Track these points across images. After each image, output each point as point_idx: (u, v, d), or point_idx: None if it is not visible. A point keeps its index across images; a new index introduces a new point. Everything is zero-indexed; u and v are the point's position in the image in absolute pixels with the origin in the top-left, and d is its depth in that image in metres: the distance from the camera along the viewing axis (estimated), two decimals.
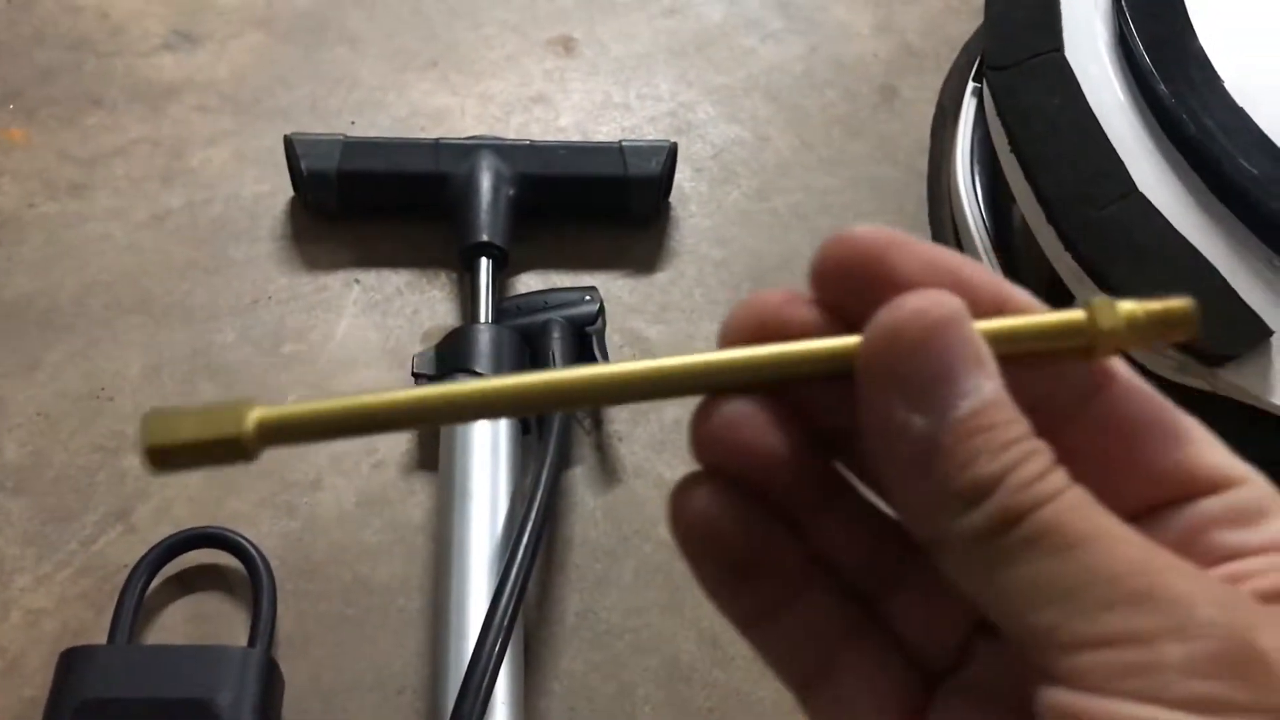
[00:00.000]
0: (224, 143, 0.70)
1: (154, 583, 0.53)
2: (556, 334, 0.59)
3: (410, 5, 0.78)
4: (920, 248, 0.21)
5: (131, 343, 0.61)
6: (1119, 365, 0.22)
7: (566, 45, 0.77)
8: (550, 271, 0.66)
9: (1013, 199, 0.54)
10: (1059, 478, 0.19)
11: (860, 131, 0.73)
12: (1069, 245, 0.49)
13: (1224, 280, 0.46)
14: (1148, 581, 0.18)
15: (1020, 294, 0.22)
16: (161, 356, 0.61)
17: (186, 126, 0.71)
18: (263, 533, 0.55)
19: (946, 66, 0.74)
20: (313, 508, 0.56)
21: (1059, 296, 0.52)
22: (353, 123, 0.71)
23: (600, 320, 0.61)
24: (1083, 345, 0.21)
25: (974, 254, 0.58)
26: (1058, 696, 0.18)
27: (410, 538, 0.56)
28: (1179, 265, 0.47)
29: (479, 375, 0.56)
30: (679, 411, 0.60)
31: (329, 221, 0.66)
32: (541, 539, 0.51)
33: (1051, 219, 0.50)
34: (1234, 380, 0.45)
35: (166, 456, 0.20)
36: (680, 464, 0.58)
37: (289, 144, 0.65)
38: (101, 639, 0.50)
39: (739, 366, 0.21)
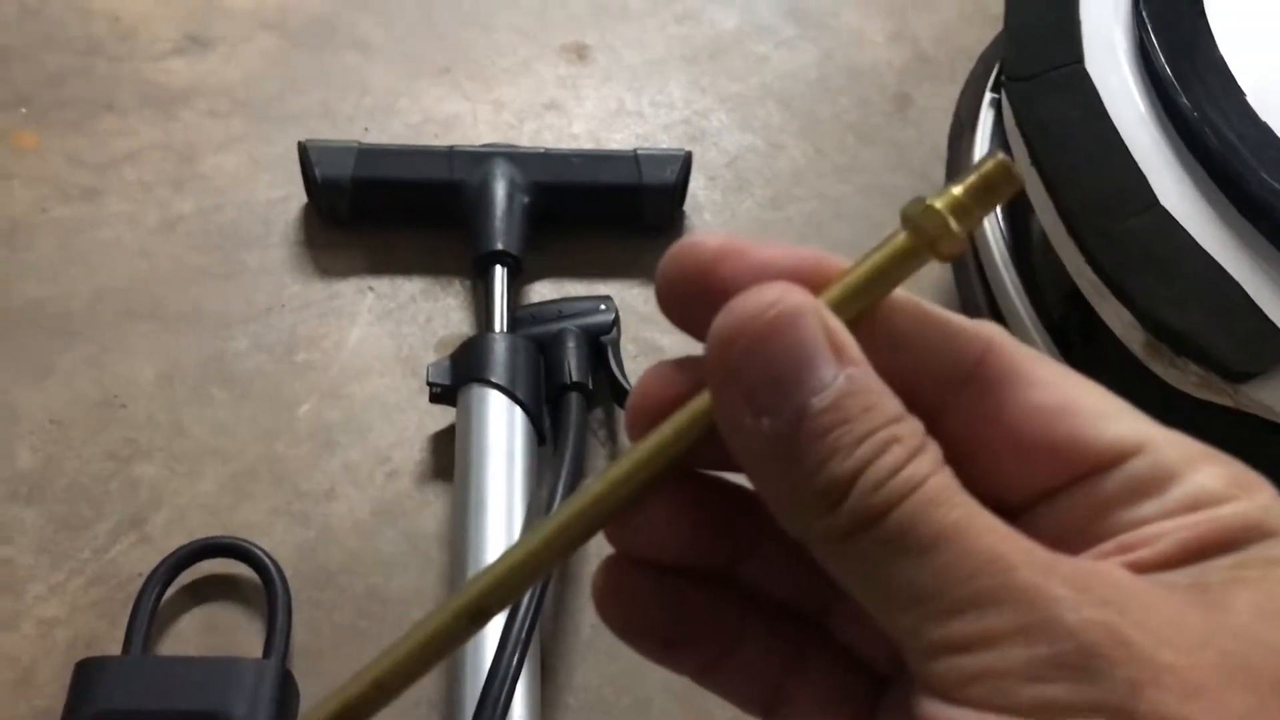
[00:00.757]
0: (236, 148, 0.70)
1: (168, 592, 0.53)
2: (571, 343, 0.59)
3: (422, 10, 0.78)
4: (754, 252, 0.21)
5: (144, 349, 0.61)
6: (998, 335, 0.21)
7: (579, 52, 0.77)
8: (565, 280, 0.66)
9: (1032, 211, 0.54)
10: (919, 467, 0.18)
11: (874, 139, 0.73)
12: (1090, 259, 0.49)
13: (1247, 295, 0.46)
14: (1000, 580, 0.17)
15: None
16: (174, 363, 0.61)
17: (198, 131, 0.71)
18: (277, 542, 0.55)
19: (960, 74, 0.74)
20: (327, 517, 0.56)
21: (1080, 310, 0.52)
22: (365, 129, 0.71)
23: (615, 329, 0.61)
24: (927, 256, 0.20)
25: (992, 268, 0.57)
26: (920, 704, 0.17)
27: (425, 548, 0.56)
28: (1202, 280, 0.46)
29: (494, 385, 0.56)
30: None
31: (343, 228, 0.66)
32: None
33: (1072, 232, 0.49)
34: (1258, 397, 0.45)
35: None
36: None
37: (303, 150, 0.64)
38: (115, 649, 0.50)
39: (621, 486, 0.20)
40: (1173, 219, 0.48)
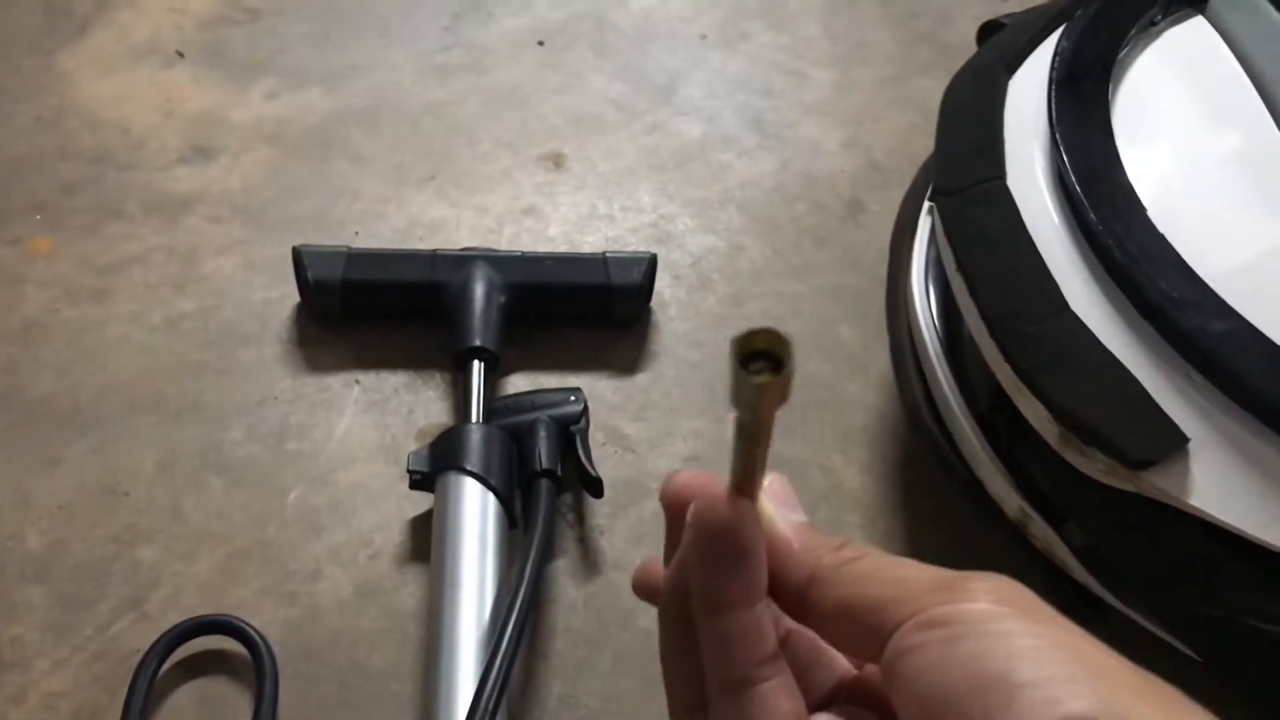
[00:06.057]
0: (235, 251, 0.75)
1: (164, 667, 0.57)
2: (543, 433, 0.64)
3: (410, 123, 0.84)
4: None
5: (146, 440, 0.66)
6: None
7: (556, 161, 0.82)
8: (538, 373, 0.70)
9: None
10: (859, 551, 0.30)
11: (828, 241, 0.78)
12: (1007, 357, 0.54)
13: (1146, 391, 0.50)
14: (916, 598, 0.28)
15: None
16: (174, 453, 0.65)
17: (200, 236, 0.76)
18: (266, 620, 0.59)
19: (909, 182, 0.80)
20: (313, 596, 0.60)
21: (1004, 403, 0.56)
22: (356, 233, 0.76)
23: (584, 419, 0.65)
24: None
25: (928, 362, 0.62)
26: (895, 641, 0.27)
27: (403, 625, 0.60)
28: (1105, 377, 0.51)
29: (469, 472, 0.60)
30: (658, 506, 0.64)
31: (332, 326, 0.71)
32: (525, 628, 0.55)
33: (993, 333, 0.54)
34: (1156, 483, 0.50)
35: None
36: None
37: (297, 255, 0.70)
38: None
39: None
40: (1081, 322, 0.53)
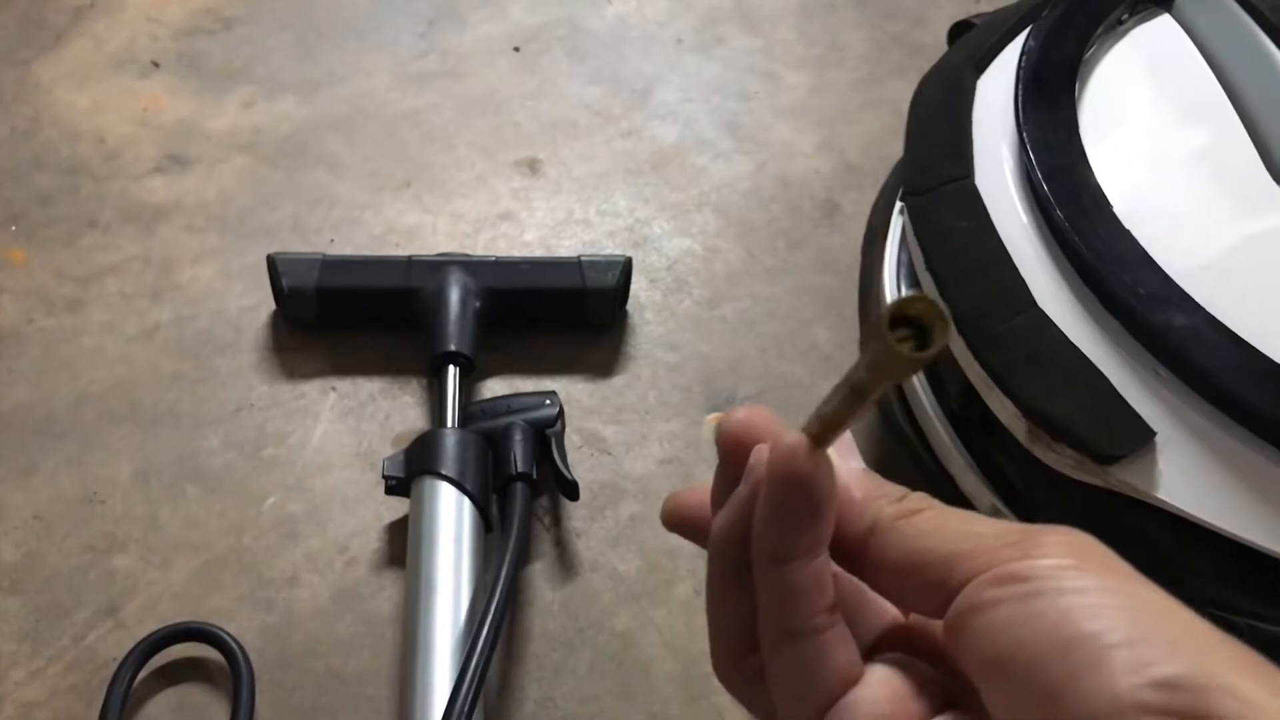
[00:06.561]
0: (211, 260, 0.75)
1: (140, 675, 0.57)
2: (518, 436, 0.64)
3: (386, 129, 0.84)
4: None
5: (122, 449, 0.66)
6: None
7: (532, 166, 0.83)
8: (514, 376, 0.71)
9: None
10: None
11: (803, 243, 0.79)
12: (977, 354, 0.54)
13: (1113, 386, 0.51)
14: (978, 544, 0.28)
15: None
16: (150, 462, 0.65)
17: (176, 245, 0.76)
18: (243, 627, 0.59)
19: (883, 184, 0.80)
20: (290, 603, 0.60)
21: (975, 401, 0.57)
22: (332, 240, 0.76)
23: (560, 423, 0.66)
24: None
25: None
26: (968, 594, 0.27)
27: (380, 630, 0.60)
28: (1073, 373, 0.52)
29: (444, 477, 0.61)
30: (634, 508, 0.65)
31: (308, 333, 0.71)
32: (500, 630, 0.55)
33: (961, 331, 0.55)
34: (1123, 477, 0.50)
35: None
36: (635, 558, 0.63)
37: (271, 263, 0.70)
38: None
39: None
40: (1048, 318, 0.53)
